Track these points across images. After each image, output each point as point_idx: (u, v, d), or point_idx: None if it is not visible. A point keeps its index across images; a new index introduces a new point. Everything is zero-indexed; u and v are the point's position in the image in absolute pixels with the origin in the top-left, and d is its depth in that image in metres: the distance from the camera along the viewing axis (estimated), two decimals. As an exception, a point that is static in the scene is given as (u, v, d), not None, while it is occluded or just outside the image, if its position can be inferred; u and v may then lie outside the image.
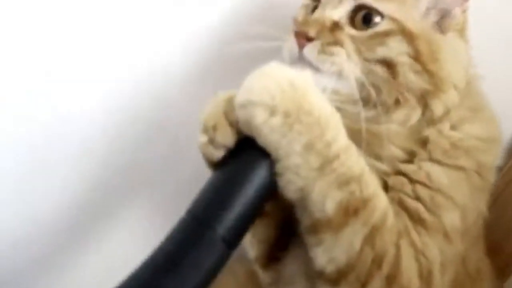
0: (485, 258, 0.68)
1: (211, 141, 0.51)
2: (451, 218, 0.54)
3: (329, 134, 0.48)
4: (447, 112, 0.57)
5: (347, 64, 0.56)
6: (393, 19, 0.56)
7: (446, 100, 0.57)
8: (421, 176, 0.55)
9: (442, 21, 0.58)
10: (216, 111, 0.52)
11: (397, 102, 0.57)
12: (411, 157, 0.57)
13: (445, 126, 0.58)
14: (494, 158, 0.59)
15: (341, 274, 0.50)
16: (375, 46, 0.56)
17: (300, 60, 0.58)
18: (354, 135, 0.53)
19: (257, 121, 0.47)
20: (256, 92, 0.47)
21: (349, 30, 0.57)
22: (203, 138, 0.52)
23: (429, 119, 0.57)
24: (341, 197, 0.48)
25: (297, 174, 0.48)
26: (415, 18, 0.57)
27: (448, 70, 0.56)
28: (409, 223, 0.53)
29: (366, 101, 0.56)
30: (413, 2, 0.58)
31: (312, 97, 0.49)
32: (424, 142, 0.57)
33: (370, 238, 0.49)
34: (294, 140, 0.47)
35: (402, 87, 0.56)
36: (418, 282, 0.52)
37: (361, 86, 0.56)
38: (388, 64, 0.55)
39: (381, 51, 0.55)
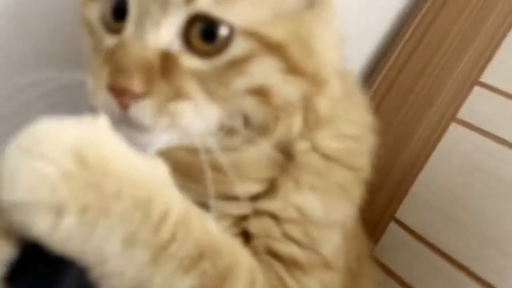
0: (361, 234, 0.62)
1: None
2: (331, 245, 0.46)
3: (155, 212, 0.34)
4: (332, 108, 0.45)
5: (195, 119, 0.40)
6: (250, 33, 0.39)
7: (331, 93, 0.44)
8: (289, 213, 0.44)
9: None
10: None
11: (276, 119, 0.43)
12: (273, 190, 0.45)
13: (325, 134, 0.46)
14: (369, 151, 0.50)
15: None
16: (233, 78, 0.39)
17: (124, 121, 0.39)
18: (192, 170, 0.41)
19: (39, 229, 0.30)
20: (23, 186, 0.30)
21: (188, 60, 0.39)
22: None
23: (307, 127, 0.45)
24: (191, 284, 0.36)
25: (123, 278, 0.33)
26: (280, 11, 0.40)
27: (327, 57, 0.43)
28: (283, 272, 0.43)
29: (229, 132, 0.43)
30: None
31: (117, 167, 0.33)
32: (286, 167, 0.45)
33: None
34: (105, 240, 0.32)
35: (280, 106, 0.42)
36: None
37: (221, 124, 0.42)
38: (257, 92, 0.41)
39: (243, 83, 0.40)
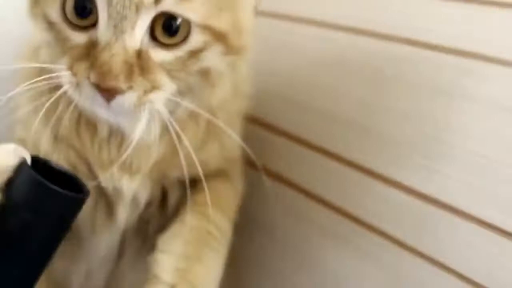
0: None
1: None
2: None
3: None
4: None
5: (163, 102, 0.48)
6: (204, 26, 0.46)
7: (248, 55, 0.54)
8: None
9: None
10: None
11: (212, 88, 0.53)
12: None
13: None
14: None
15: None
16: (190, 64, 0.47)
17: (109, 109, 0.46)
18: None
19: None
20: None
21: (157, 54, 0.46)
22: None
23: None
24: None
25: None
26: (221, 4, 0.48)
27: (249, 30, 0.52)
28: None
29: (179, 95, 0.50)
30: None
31: None
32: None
33: None
34: None
35: (215, 80, 0.52)
36: None
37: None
38: (203, 73, 0.49)
39: (196, 67, 0.48)
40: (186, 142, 0.48)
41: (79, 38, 0.46)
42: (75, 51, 0.45)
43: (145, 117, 0.47)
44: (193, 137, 0.54)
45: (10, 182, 0.41)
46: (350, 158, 0.68)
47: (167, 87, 0.47)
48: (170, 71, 0.47)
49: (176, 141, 0.49)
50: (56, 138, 0.53)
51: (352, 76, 0.69)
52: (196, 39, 0.46)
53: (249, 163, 0.66)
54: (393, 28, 0.65)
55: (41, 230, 0.40)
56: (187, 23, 0.45)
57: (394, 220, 0.62)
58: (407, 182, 0.61)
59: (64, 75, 0.46)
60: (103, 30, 0.44)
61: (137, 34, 0.44)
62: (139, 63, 0.45)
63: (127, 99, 0.44)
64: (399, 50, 0.64)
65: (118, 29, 0.43)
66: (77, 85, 0.45)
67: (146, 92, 0.45)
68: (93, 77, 0.43)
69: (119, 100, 0.44)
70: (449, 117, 0.58)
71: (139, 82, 0.45)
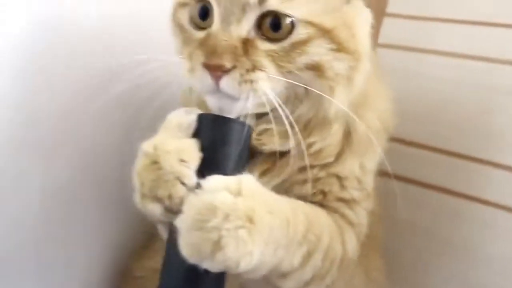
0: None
1: (169, 210, 0.49)
2: (370, 182, 0.64)
3: (287, 225, 0.50)
4: (364, 86, 0.58)
5: (269, 87, 0.52)
6: (308, 22, 0.52)
7: (363, 70, 0.57)
8: (349, 172, 0.60)
9: None
10: (156, 174, 0.49)
11: (331, 89, 0.55)
12: (338, 158, 0.60)
13: (372, 115, 0.61)
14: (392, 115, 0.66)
15: (306, 284, 0.56)
16: (295, 57, 0.52)
17: (218, 92, 0.52)
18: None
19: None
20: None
21: (263, 44, 0.52)
22: (157, 209, 0.49)
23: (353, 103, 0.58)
24: (303, 250, 0.53)
25: (262, 269, 0.49)
26: (328, 6, 0.54)
27: (362, 41, 0.56)
28: (346, 210, 0.61)
29: (296, 98, 0.56)
30: None
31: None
32: (347, 141, 0.60)
33: (325, 256, 0.56)
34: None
35: (331, 77, 0.54)
36: (357, 247, 0.62)
37: (287, 92, 0.55)
38: (314, 67, 0.53)
39: (303, 60, 0.52)
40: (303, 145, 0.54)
41: (199, 35, 0.55)
42: (195, 44, 0.54)
43: (251, 99, 0.51)
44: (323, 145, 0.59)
45: (197, 131, 0.52)
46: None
47: (270, 70, 0.52)
48: (274, 58, 0.52)
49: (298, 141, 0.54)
50: None
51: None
52: (299, 32, 0.51)
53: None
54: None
55: (236, 157, 0.50)
56: (290, 19, 0.51)
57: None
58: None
59: (184, 64, 0.54)
60: (215, 25, 0.53)
61: (244, 27, 0.51)
62: (244, 47, 0.51)
63: (231, 77, 0.50)
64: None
65: (225, 22, 0.52)
66: (192, 69, 0.52)
67: (248, 71, 0.51)
68: (202, 58, 0.51)
69: (225, 80, 0.50)
70: None
71: (242, 62, 0.50)
